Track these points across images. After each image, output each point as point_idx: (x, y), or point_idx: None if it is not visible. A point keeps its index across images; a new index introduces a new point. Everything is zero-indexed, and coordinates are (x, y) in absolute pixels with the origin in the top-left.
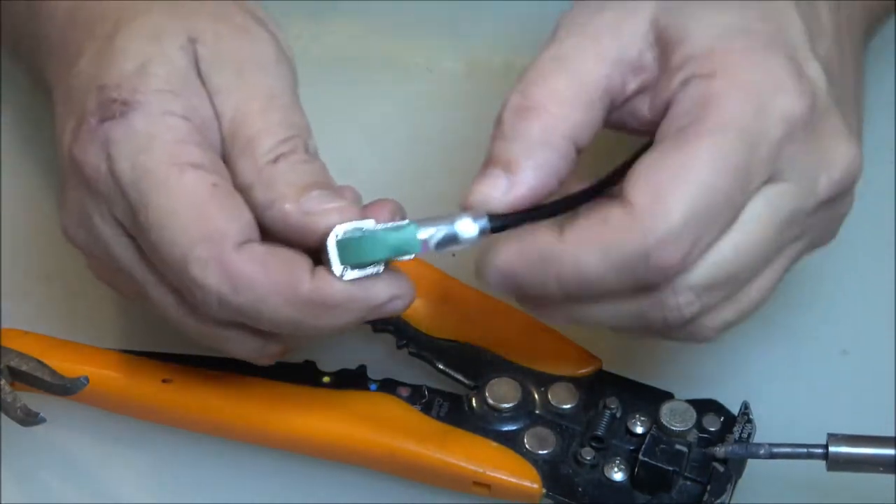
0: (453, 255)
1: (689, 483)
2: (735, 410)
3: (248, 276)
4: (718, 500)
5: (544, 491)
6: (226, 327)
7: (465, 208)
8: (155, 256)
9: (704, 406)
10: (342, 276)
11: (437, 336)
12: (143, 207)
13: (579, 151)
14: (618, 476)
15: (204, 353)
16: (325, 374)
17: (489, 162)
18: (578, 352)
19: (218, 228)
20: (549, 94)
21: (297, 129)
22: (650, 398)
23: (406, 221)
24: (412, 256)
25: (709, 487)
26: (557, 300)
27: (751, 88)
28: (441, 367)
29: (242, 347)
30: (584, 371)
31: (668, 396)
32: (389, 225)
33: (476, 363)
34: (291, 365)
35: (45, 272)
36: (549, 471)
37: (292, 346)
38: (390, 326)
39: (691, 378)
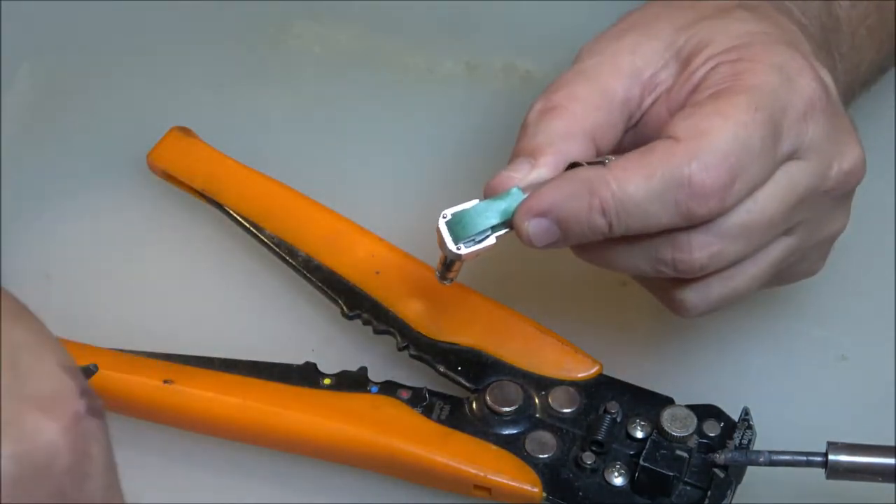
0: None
1: (689, 488)
2: (735, 416)
3: None
4: None
5: (545, 495)
6: None
7: (486, 190)
8: None
9: (705, 411)
10: (458, 250)
11: (438, 339)
12: None
13: (600, 152)
14: (618, 481)
15: (203, 354)
16: (325, 375)
17: (514, 155)
18: (579, 356)
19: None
20: (571, 97)
21: None
22: (651, 403)
23: (508, 190)
24: None
25: (709, 493)
26: (598, 235)
27: (776, 67)
28: (442, 369)
29: None
30: (584, 375)
31: (669, 401)
32: (493, 197)
33: (477, 366)
34: (292, 366)
35: (45, 272)
36: (550, 475)
37: None
38: (391, 329)
39: (692, 383)
